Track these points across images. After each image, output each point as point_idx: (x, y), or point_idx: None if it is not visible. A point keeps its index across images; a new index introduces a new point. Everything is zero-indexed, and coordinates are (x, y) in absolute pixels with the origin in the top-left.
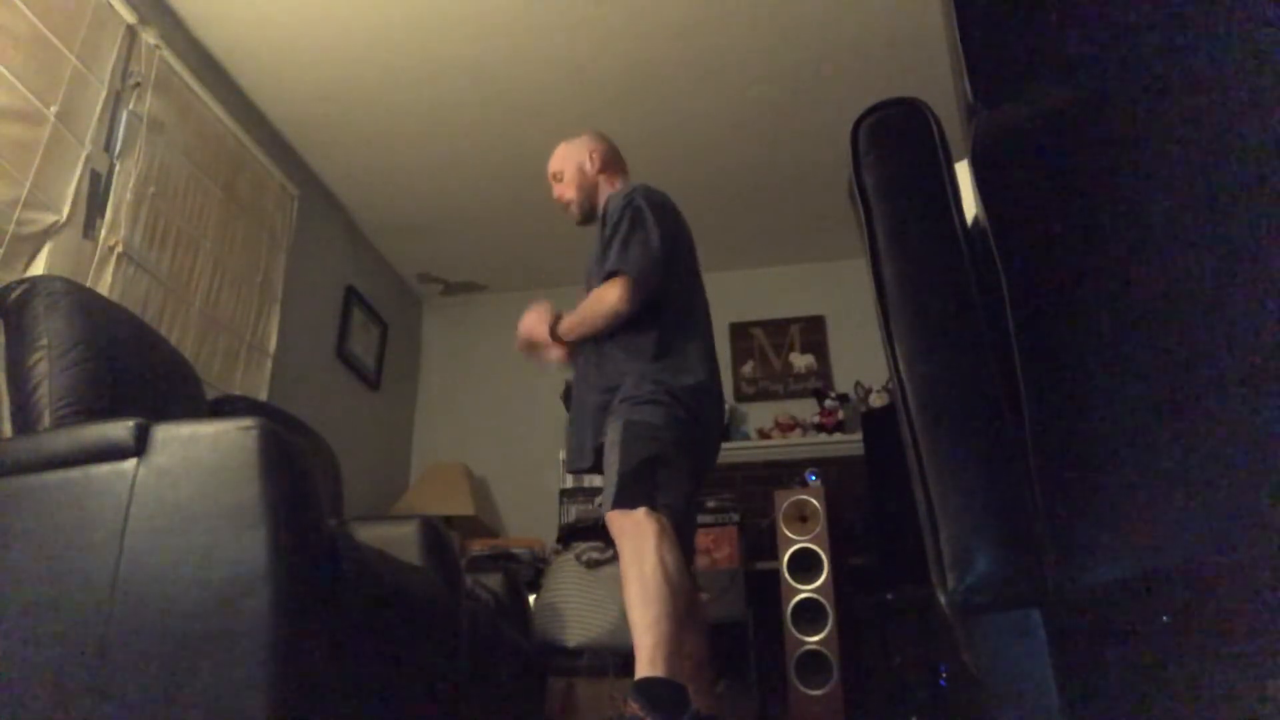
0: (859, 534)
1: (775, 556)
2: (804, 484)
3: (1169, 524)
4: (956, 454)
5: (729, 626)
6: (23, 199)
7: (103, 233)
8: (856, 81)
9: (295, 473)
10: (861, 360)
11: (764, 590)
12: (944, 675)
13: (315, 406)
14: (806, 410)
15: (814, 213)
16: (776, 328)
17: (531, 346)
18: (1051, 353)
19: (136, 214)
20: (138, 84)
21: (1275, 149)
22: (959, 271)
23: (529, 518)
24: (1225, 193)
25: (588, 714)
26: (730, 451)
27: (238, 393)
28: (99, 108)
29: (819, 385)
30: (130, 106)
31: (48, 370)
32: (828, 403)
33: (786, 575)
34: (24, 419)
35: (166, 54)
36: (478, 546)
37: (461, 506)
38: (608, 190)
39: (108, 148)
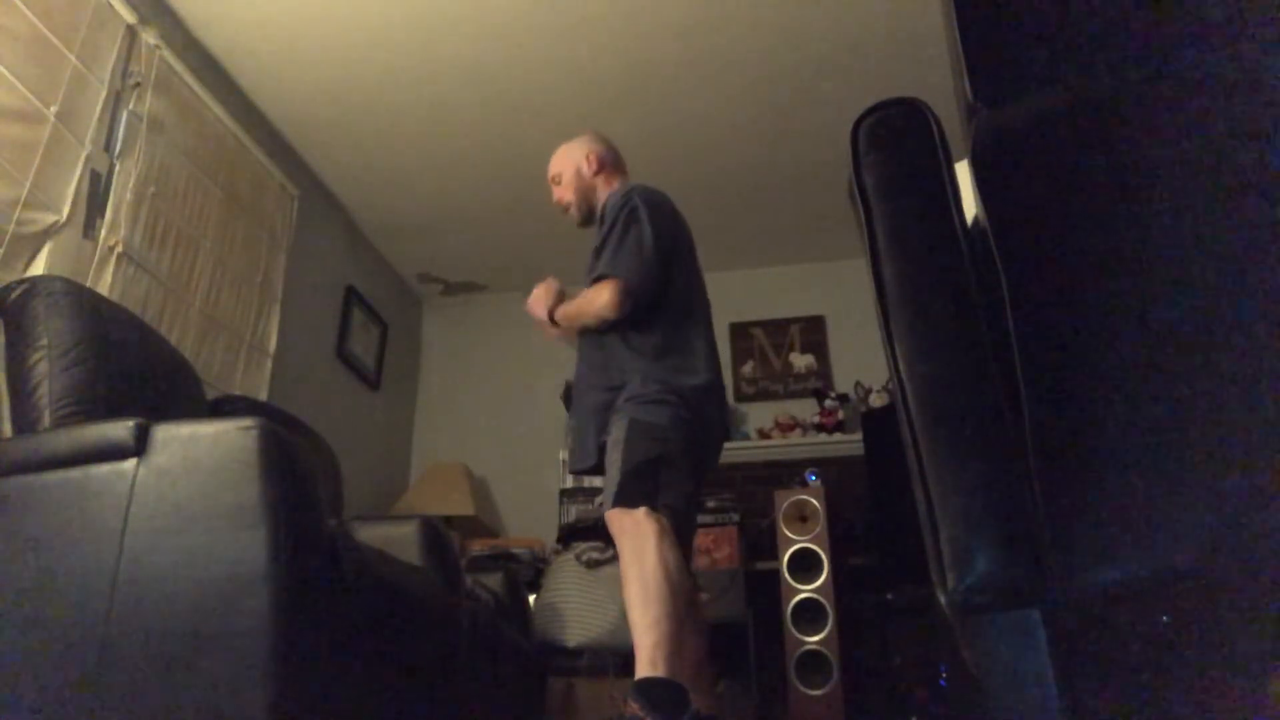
0: (859, 534)
1: (775, 556)
2: (804, 484)
3: (1169, 524)
4: (956, 454)
5: (729, 626)
6: (23, 199)
7: (103, 233)
8: (856, 81)
9: (295, 473)
10: (861, 360)
11: (764, 590)
12: (944, 675)
13: (315, 406)
14: (806, 410)
15: (814, 213)
16: (776, 328)
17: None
18: (1051, 353)
19: (136, 214)
20: (138, 84)
21: (1275, 149)
22: (959, 271)
23: (529, 518)
24: (1225, 192)
25: (588, 714)
26: (730, 451)
27: (238, 393)
28: (99, 108)
29: (819, 385)
30: (130, 106)
31: (48, 370)
32: (828, 403)
33: (786, 575)
34: (24, 419)
35: (166, 54)
36: (478, 546)
37: (461, 506)
38: (606, 191)
39: (108, 148)
